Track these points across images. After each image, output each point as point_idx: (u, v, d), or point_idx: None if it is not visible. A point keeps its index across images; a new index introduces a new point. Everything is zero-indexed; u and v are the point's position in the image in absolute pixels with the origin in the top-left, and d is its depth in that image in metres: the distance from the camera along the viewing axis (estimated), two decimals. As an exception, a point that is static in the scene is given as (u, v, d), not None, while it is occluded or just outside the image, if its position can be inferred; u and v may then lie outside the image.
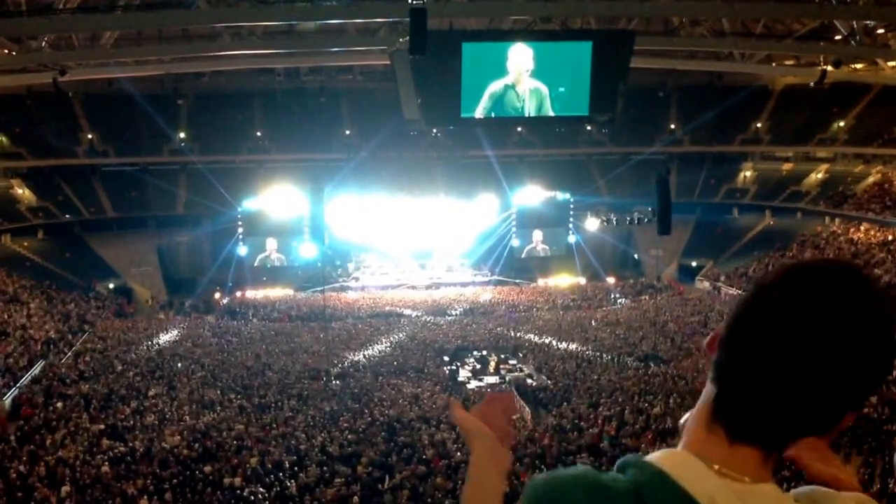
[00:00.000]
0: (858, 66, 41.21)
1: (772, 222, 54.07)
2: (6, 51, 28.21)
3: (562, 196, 55.89)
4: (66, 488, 17.36)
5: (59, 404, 24.26)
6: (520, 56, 20.98)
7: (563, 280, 55.54)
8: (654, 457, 1.29)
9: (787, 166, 58.27)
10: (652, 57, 34.44)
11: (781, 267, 1.26)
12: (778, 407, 1.22)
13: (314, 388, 28.77)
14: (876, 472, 17.59)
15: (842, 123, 53.94)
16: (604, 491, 1.24)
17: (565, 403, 26.00)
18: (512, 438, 1.72)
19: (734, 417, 1.28)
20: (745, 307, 1.26)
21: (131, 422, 23.09)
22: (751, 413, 1.25)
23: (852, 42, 29.87)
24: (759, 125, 58.21)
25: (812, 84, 36.35)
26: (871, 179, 50.52)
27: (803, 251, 45.96)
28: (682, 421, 1.41)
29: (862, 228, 45.54)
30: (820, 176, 54.96)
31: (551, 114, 21.78)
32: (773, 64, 40.26)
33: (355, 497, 17.17)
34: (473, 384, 31.09)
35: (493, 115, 21.69)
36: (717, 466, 1.25)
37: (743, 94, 54.66)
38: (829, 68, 31.77)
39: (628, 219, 52.31)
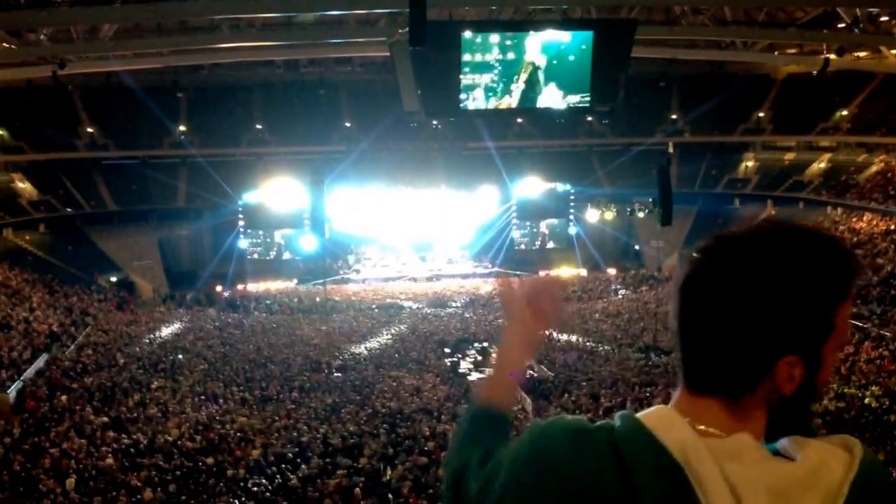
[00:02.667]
0: (861, 54, 41.12)
1: (773, 212, 53.91)
2: (5, 44, 28.21)
3: (562, 187, 55.90)
4: (70, 480, 17.38)
5: (63, 397, 24.28)
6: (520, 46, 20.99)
7: (564, 271, 55.48)
8: (642, 413, 1.41)
9: (789, 156, 58.21)
10: (653, 46, 34.41)
11: (710, 235, 1.46)
12: (714, 355, 1.37)
13: (316, 380, 28.80)
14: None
15: (844, 112, 53.84)
16: (587, 436, 1.37)
17: (566, 395, 26.00)
18: (558, 319, 1.89)
19: (689, 372, 1.44)
20: (683, 271, 1.46)
21: (135, 414, 23.12)
22: (698, 365, 1.42)
23: (855, 30, 29.82)
24: (761, 115, 58.05)
25: (814, 73, 36.28)
26: (873, 168, 50.44)
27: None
28: None
29: (865, 218, 45.43)
30: (822, 165, 54.91)
31: (551, 104, 21.78)
32: (776, 53, 40.14)
33: (357, 489, 17.17)
34: (475, 376, 31.10)
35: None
36: (689, 419, 1.37)
37: (745, 84, 54.66)
38: (832, 57, 31.74)
39: (629, 210, 52.30)
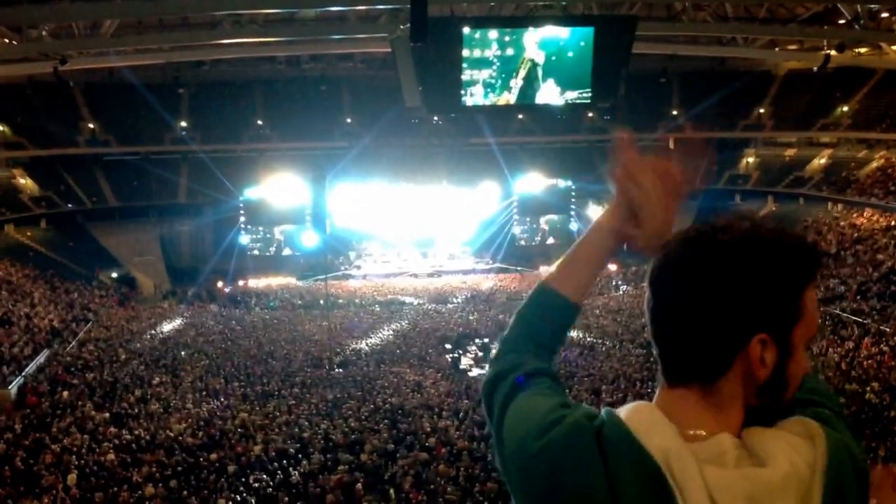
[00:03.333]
0: (862, 50, 41.13)
1: (774, 208, 53.94)
2: (6, 40, 28.21)
3: (563, 183, 55.91)
4: (72, 476, 17.42)
5: (65, 393, 24.33)
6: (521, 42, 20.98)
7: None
8: (626, 411, 1.45)
9: (789, 152, 58.20)
10: (654, 42, 34.40)
11: (682, 228, 1.52)
12: (686, 341, 1.43)
13: (317, 375, 28.83)
14: (878, 456, 17.66)
15: (845, 108, 53.74)
16: (579, 439, 1.40)
17: (567, 390, 25.93)
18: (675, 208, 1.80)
19: (665, 364, 1.51)
20: (653, 262, 1.51)
21: (136, 410, 23.16)
22: (672, 354, 1.48)
23: (856, 26, 29.78)
24: (761, 111, 58.02)
25: (815, 69, 36.29)
26: (874, 164, 50.41)
27: (806, 237, 45.89)
28: None
29: (865, 214, 45.44)
30: (823, 161, 54.89)
31: (552, 100, 21.77)
32: (777, 49, 40.15)
33: (358, 484, 17.21)
34: (476, 372, 31.12)
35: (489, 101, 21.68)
36: (670, 419, 1.41)
37: (746, 80, 54.61)
38: (833, 53, 31.73)
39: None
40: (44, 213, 50.18)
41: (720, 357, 1.41)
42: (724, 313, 1.38)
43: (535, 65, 21.42)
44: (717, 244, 1.40)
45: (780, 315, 1.39)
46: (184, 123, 55.42)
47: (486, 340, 35.63)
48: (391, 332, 37.78)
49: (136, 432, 20.67)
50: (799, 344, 1.43)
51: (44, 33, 27.77)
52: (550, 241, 57.90)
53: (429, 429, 21.14)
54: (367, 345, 35.00)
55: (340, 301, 46.96)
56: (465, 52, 21.04)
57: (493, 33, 21.47)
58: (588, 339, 34.44)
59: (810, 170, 54.92)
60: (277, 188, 52.02)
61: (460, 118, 47.86)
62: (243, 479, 17.81)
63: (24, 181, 50.60)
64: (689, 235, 1.47)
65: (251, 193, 52.38)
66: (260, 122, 57.69)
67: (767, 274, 1.38)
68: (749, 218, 1.45)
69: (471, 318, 41.19)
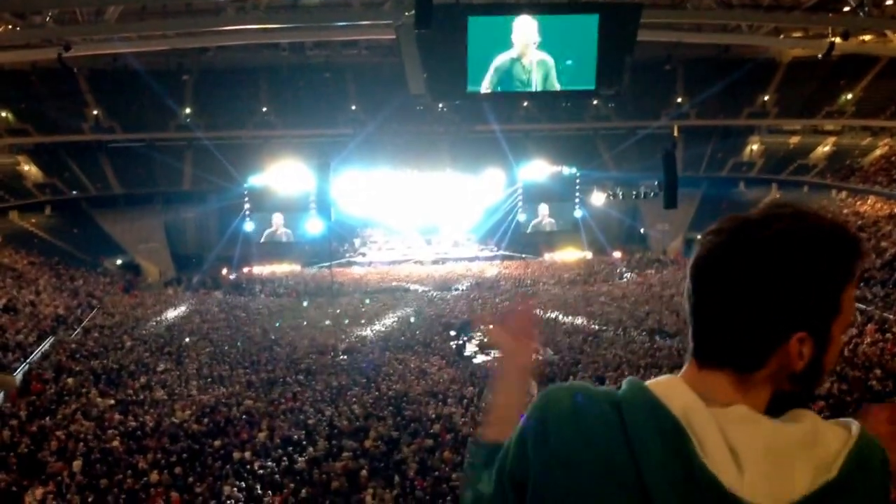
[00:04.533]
0: (867, 37, 41.03)
1: (778, 196, 53.85)
2: (10, 26, 28.22)
3: (568, 171, 55.82)
4: (77, 462, 17.50)
5: (69, 380, 24.40)
6: (525, 28, 20.91)
7: (570, 255, 55.55)
8: (650, 381, 1.48)
9: (794, 139, 58.09)
10: (658, 30, 34.28)
11: (722, 218, 1.50)
12: (728, 330, 1.44)
13: (321, 362, 28.88)
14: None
15: (849, 96, 53.63)
16: (587, 400, 1.45)
17: (571, 377, 26.04)
18: (535, 339, 2.03)
19: (701, 347, 1.50)
20: (696, 254, 1.50)
21: (141, 397, 23.23)
22: (711, 340, 1.48)
23: (861, 13, 29.67)
24: (766, 98, 57.91)
25: (820, 56, 36.14)
26: (878, 152, 50.33)
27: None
28: None
29: (869, 201, 45.39)
30: (827, 149, 54.80)
31: (557, 87, 21.73)
32: (781, 36, 40.03)
33: (363, 471, 17.28)
34: (480, 358, 31.16)
35: (499, 89, 21.63)
36: (694, 389, 1.43)
37: (750, 67, 54.38)
38: (837, 40, 31.58)
39: (634, 193, 52.22)
40: (48, 199, 50.30)
41: (758, 352, 1.43)
42: (765, 312, 1.40)
43: (539, 51, 21.38)
44: (757, 242, 1.41)
45: (820, 313, 1.42)
46: (188, 110, 55.42)
47: (490, 327, 35.63)
48: (396, 318, 37.80)
49: (141, 419, 20.74)
50: (836, 337, 1.45)
51: (48, 19, 27.74)
52: (553, 227, 57.79)
53: (433, 415, 21.20)
54: (371, 331, 35.04)
55: (345, 288, 47.01)
56: (471, 39, 21.00)
57: (497, 20, 21.42)
58: (592, 327, 34.45)
59: (814, 157, 54.86)
60: (282, 175, 51.95)
61: (465, 105, 47.76)
62: (248, 466, 17.89)
63: (29, 168, 50.66)
64: (728, 230, 1.47)
65: (256, 180, 52.32)
66: (264, 109, 57.68)
67: (809, 274, 1.39)
68: (787, 209, 1.46)
69: (475, 304, 41.20)
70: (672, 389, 1.43)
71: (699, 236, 1.53)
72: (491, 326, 2.02)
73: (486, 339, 2.04)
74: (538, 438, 1.45)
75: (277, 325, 35.49)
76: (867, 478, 1.37)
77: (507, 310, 2.04)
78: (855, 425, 1.41)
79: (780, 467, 1.33)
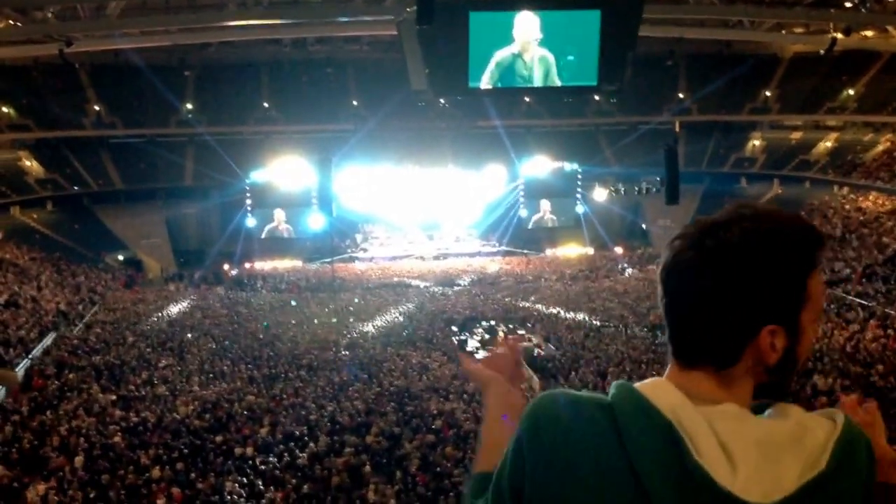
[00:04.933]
0: (868, 33, 40.93)
1: (780, 192, 53.91)
2: (12, 22, 28.17)
3: (569, 166, 55.85)
4: (79, 458, 17.51)
5: (71, 375, 24.39)
6: (526, 24, 20.86)
7: (571, 250, 55.65)
8: (637, 384, 1.50)
9: (795, 135, 58.07)
10: (661, 25, 34.22)
11: (687, 224, 1.55)
12: (701, 329, 1.48)
13: (323, 358, 28.88)
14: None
15: (851, 92, 53.54)
16: (577, 404, 1.47)
17: (573, 373, 26.07)
18: (522, 378, 2.06)
19: (678, 348, 1.55)
20: (664, 261, 1.56)
21: (143, 392, 23.23)
22: (687, 340, 1.52)
23: (862, 9, 29.64)
24: (768, 94, 57.84)
25: (821, 52, 36.09)
26: (880, 148, 50.31)
27: (811, 220, 45.48)
28: None
29: (871, 197, 45.36)
30: (829, 145, 54.78)
31: (558, 83, 21.69)
32: (783, 32, 39.99)
33: (365, 466, 17.29)
34: (482, 354, 31.14)
35: (500, 84, 21.59)
36: (680, 389, 1.46)
37: (752, 63, 54.40)
38: (839, 36, 31.53)
39: (636, 189, 52.20)
40: (50, 195, 50.29)
41: (731, 348, 1.47)
42: (732, 310, 1.44)
43: (540, 47, 21.35)
44: (720, 243, 1.45)
45: (787, 305, 1.45)
46: (190, 106, 55.45)
47: (492, 323, 35.73)
48: (398, 314, 37.85)
49: (143, 415, 20.75)
50: (807, 327, 1.48)
51: (49, 15, 27.71)
52: (553, 223, 57.82)
53: (435, 411, 21.21)
54: (373, 327, 35.07)
55: (347, 284, 47.05)
56: (471, 35, 20.96)
57: (499, 15, 21.38)
58: (594, 322, 34.47)
59: (816, 153, 54.83)
60: (283, 171, 52.00)
61: (467, 101, 47.71)
62: (250, 462, 17.90)
63: (30, 163, 50.67)
64: (693, 234, 1.51)
65: (257, 176, 52.39)
66: (266, 105, 57.65)
67: (771, 268, 1.43)
68: (747, 210, 1.50)
69: (477, 300, 41.24)
70: (659, 390, 1.46)
71: (667, 242, 1.58)
72: (473, 364, 2.05)
73: (469, 375, 2.08)
74: (532, 443, 1.46)
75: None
76: (854, 465, 1.40)
77: (492, 353, 2.09)
78: (839, 415, 1.45)
79: (771, 462, 1.35)
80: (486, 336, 33.88)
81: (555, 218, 57.46)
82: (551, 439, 1.44)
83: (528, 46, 21.58)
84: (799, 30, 40.46)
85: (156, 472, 16.93)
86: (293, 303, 36.98)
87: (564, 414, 1.45)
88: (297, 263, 52.89)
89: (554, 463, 1.42)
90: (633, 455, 1.36)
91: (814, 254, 1.48)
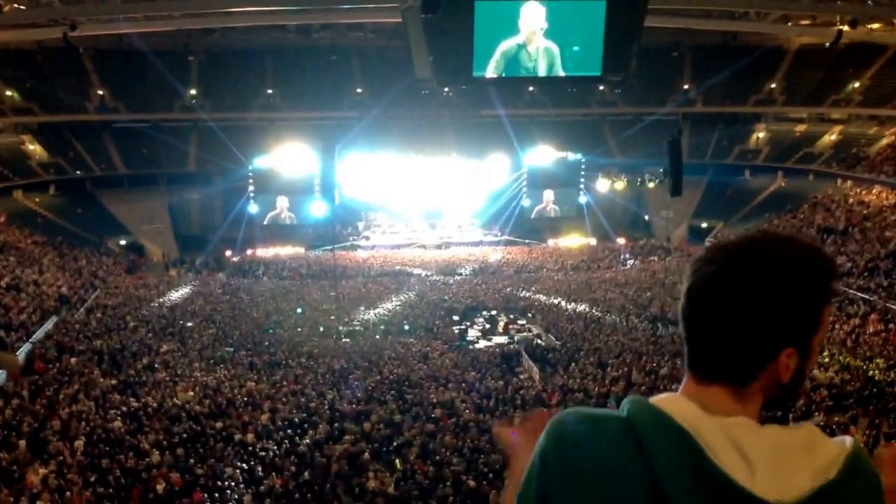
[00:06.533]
0: (875, 26, 40.82)
1: (783, 184, 53.82)
2: (16, 5, 28.11)
3: (573, 156, 55.76)
4: (79, 442, 17.53)
5: (72, 360, 24.41)
6: (532, 14, 20.79)
7: (573, 241, 55.60)
8: (651, 398, 1.55)
9: (800, 127, 57.93)
10: (666, 16, 34.10)
11: (712, 244, 1.61)
12: (723, 349, 1.54)
13: (324, 345, 28.90)
14: (881, 432, 17.76)
15: (857, 84, 53.46)
16: (595, 419, 1.53)
17: (573, 364, 26.08)
18: None
19: (697, 364, 1.59)
20: (689, 282, 1.60)
21: (143, 377, 23.25)
22: (707, 358, 1.58)
23: (869, 2, 29.54)
24: (773, 86, 57.76)
25: (827, 44, 35.98)
26: (884, 141, 50.16)
27: (814, 213, 45.81)
28: None
29: (874, 191, 45.28)
30: (833, 137, 54.64)
31: (562, 73, 21.63)
32: (789, 23, 39.82)
33: (364, 454, 17.31)
34: (482, 344, 31.21)
35: (504, 74, 21.52)
36: (697, 403, 1.52)
37: (757, 54, 54.31)
38: (846, 28, 31.40)
39: (639, 180, 52.12)
40: (52, 179, 50.30)
41: (752, 368, 1.54)
42: (758, 333, 1.51)
43: (544, 37, 21.30)
44: (748, 270, 1.52)
45: (804, 331, 1.54)
46: (193, 91, 55.47)
47: (493, 313, 35.75)
48: (399, 302, 37.87)
49: (144, 400, 20.77)
50: (815, 348, 1.57)
51: (54, -1, 27.66)
52: (556, 213, 57.82)
53: (435, 400, 21.23)
54: (374, 315, 35.09)
55: (348, 271, 47.04)
56: (476, 24, 20.92)
57: (504, 5, 21.34)
58: (594, 313, 34.48)
59: (820, 146, 54.70)
60: (287, 158, 51.94)
61: (471, 90, 47.66)
62: (250, 448, 17.92)
63: (33, 147, 50.67)
64: (720, 257, 1.57)
65: (260, 162, 52.36)
66: (270, 92, 57.65)
67: (795, 297, 1.51)
68: (771, 237, 1.57)
69: (478, 290, 41.24)
70: (675, 403, 1.52)
71: (689, 264, 1.63)
72: (506, 431, 2.07)
73: (502, 443, 2.07)
74: (556, 455, 1.53)
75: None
76: (863, 483, 1.45)
77: (528, 419, 2.09)
78: (850, 440, 1.50)
79: (786, 466, 1.40)
80: (487, 326, 33.92)
81: (557, 208, 57.45)
82: (573, 451, 1.50)
83: (533, 37, 21.51)
84: (805, 22, 40.24)
85: (155, 457, 16.95)
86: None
87: (583, 427, 1.52)
88: (300, 250, 52.87)
89: (577, 473, 1.49)
90: (652, 462, 1.41)
91: (830, 286, 1.56)
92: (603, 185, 54.72)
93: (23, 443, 17.38)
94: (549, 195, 56.92)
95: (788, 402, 1.63)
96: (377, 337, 30.88)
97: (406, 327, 33.10)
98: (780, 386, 1.56)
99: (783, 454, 1.41)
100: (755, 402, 1.57)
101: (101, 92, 53.42)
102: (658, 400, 1.53)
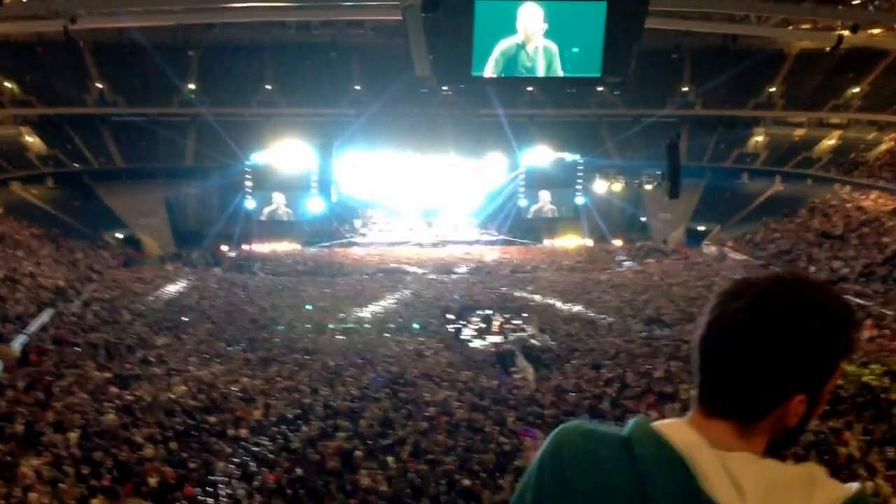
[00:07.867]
0: (876, 31, 40.83)
1: (781, 188, 53.82)
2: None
3: (571, 157, 55.72)
4: (73, 435, 17.53)
5: (68, 352, 24.39)
6: (531, 15, 20.79)
7: (570, 242, 55.61)
8: (655, 423, 1.59)
9: (799, 132, 57.94)
10: (667, 18, 34.13)
11: (741, 279, 1.63)
12: (735, 388, 1.55)
13: (319, 342, 28.91)
14: (874, 439, 17.76)
15: (856, 90, 53.51)
16: (595, 436, 1.58)
17: (568, 364, 26.09)
18: None
19: (707, 398, 1.60)
20: (713, 314, 1.60)
21: (138, 371, 23.24)
22: (719, 394, 1.58)
23: (871, 7, 29.61)
24: (772, 90, 57.78)
25: (828, 49, 36.08)
26: (883, 147, 50.18)
27: (812, 218, 45.83)
28: None
29: (872, 196, 45.32)
30: (832, 142, 54.64)
31: (562, 74, 21.64)
32: (790, 27, 39.86)
33: (357, 451, 17.32)
34: (477, 343, 31.23)
35: (503, 74, 21.52)
36: (701, 434, 1.54)
37: (757, 58, 54.39)
38: (846, 33, 31.46)
39: (637, 182, 52.14)
40: (50, 171, 50.23)
41: (762, 408, 1.56)
42: (775, 375, 1.52)
43: (543, 37, 21.30)
44: (773, 310, 1.52)
45: (820, 379, 1.57)
46: (192, 86, 55.41)
47: (488, 312, 35.75)
48: (394, 300, 37.86)
49: (138, 393, 20.76)
50: (825, 397, 1.61)
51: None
52: (553, 214, 57.80)
53: (429, 398, 21.25)
54: (369, 313, 35.09)
55: (344, 268, 47.04)
56: (476, 23, 20.91)
57: (504, 5, 21.33)
58: (590, 315, 34.50)
59: (819, 150, 54.71)
60: (284, 154, 51.88)
61: (470, 89, 47.64)
62: (243, 443, 17.93)
63: (32, 139, 50.61)
64: (745, 297, 1.57)
65: (258, 158, 52.25)
66: (269, 87, 57.62)
67: (818, 346, 1.52)
68: (799, 283, 1.57)
69: (474, 289, 41.25)
70: (677, 430, 1.55)
71: (715, 297, 1.64)
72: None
73: None
74: (554, 468, 1.58)
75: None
76: None
77: None
78: (856, 485, 1.51)
79: (779, 502, 1.42)
80: (482, 325, 33.96)
81: (554, 208, 57.38)
82: (570, 462, 1.55)
83: (532, 37, 21.49)
84: (806, 26, 40.30)
85: (149, 451, 16.95)
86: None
87: (583, 442, 1.57)
88: (296, 247, 52.86)
89: (572, 483, 1.53)
90: (646, 482, 1.45)
91: (852, 337, 1.57)
92: (600, 186, 54.66)
93: (20, 427, 17.40)
94: (546, 195, 56.85)
95: (788, 446, 1.63)
96: (372, 334, 30.87)
97: (401, 324, 33.12)
98: (784, 429, 1.58)
99: (778, 489, 1.43)
100: (759, 441, 1.57)
101: (100, 85, 53.40)
102: (662, 425, 1.57)
